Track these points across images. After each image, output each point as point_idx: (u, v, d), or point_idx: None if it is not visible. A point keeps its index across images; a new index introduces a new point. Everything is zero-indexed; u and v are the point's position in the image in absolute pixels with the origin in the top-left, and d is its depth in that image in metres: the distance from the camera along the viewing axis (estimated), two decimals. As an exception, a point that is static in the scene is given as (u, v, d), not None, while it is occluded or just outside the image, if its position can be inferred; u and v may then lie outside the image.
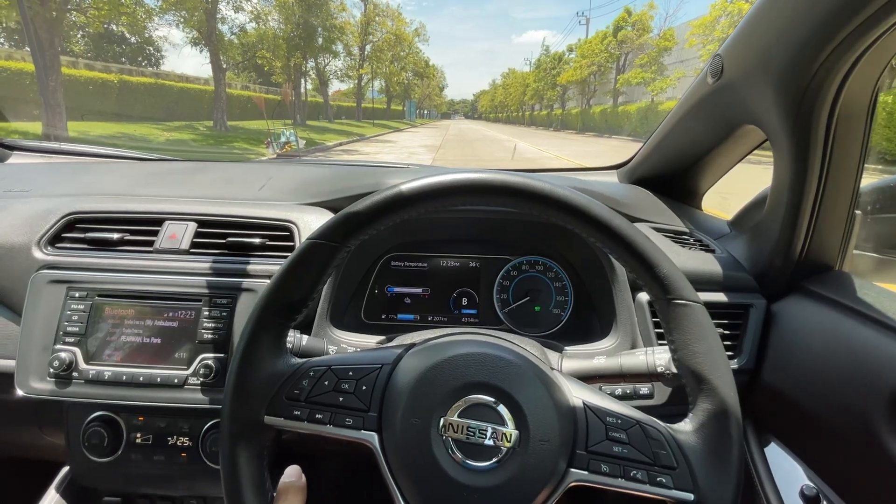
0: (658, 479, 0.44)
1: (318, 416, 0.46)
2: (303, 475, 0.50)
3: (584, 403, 0.47)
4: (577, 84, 37.17)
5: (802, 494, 0.66)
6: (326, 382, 0.47)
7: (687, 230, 0.90)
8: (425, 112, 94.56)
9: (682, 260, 0.80)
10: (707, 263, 0.81)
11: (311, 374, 0.47)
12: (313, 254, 0.48)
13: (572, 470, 0.44)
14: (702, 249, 0.85)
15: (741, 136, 0.85)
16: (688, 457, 0.44)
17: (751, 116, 0.76)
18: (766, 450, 0.75)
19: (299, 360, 0.49)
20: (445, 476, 0.43)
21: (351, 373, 0.48)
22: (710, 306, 0.72)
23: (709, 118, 0.87)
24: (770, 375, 0.73)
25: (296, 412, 0.46)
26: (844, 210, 0.70)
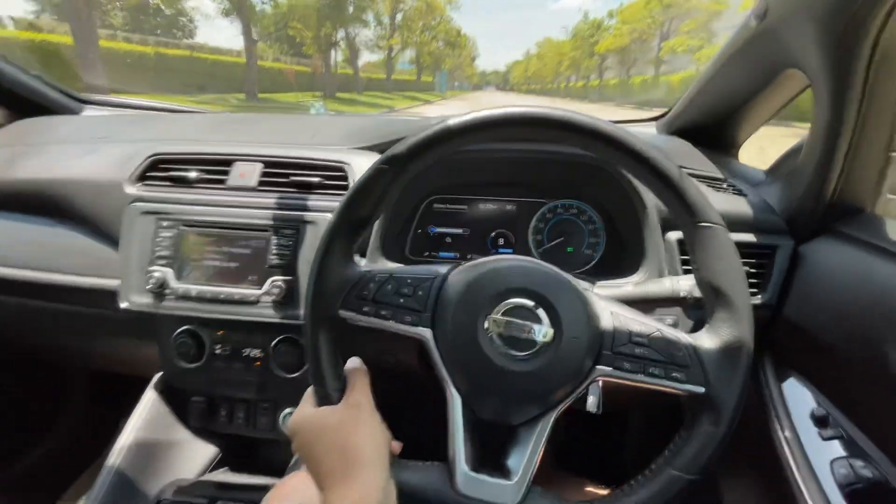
0: (673, 374, 0.49)
1: (383, 312, 0.53)
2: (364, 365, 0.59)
3: (611, 312, 0.53)
4: (616, 52, 34.77)
5: (812, 416, 0.71)
6: (389, 287, 0.54)
7: (722, 177, 0.93)
8: (456, 84, 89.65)
9: (714, 203, 0.83)
10: (738, 206, 0.84)
11: (377, 279, 0.55)
12: (378, 177, 0.54)
13: (598, 366, 0.51)
14: (735, 194, 0.88)
15: (782, 81, 0.85)
16: (701, 357, 0.50)
17: (793, 59, 0.76)
18: (783, 384, 0.79)
19: (366, 267, 0.57)
20: (489, 362, 0.50)
21: (409, 280, 0.55)
22: (739, 246, 0.76)
23: (750, 64, 0.87)
24: (793, 311, 0.77)
25: (364, 308, 0.54)
26: (880, 153, 0.71)
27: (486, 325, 0.51)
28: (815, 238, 0.78)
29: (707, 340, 0.51)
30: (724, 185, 0.90)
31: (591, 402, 0.54)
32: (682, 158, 0.96)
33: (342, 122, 1.15)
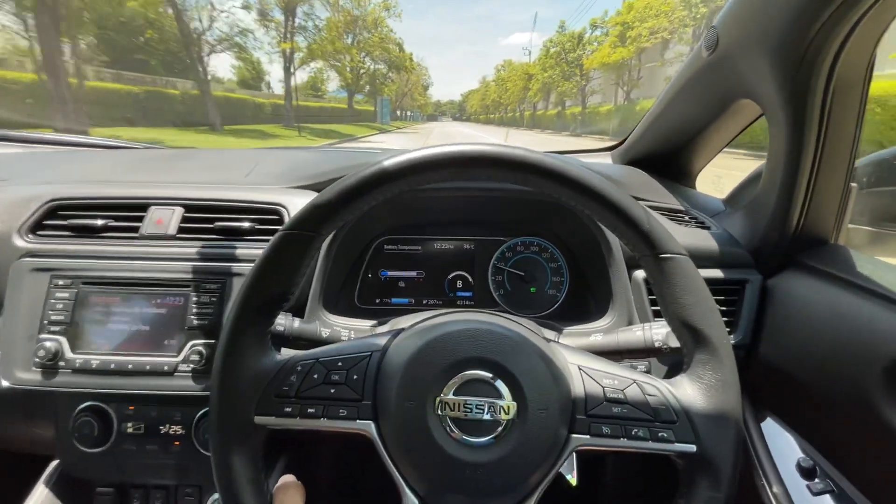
0: (660, 434, 0.44)
1: (311, 410, 0.44)
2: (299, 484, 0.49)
3: (579, 368, 0.47)
4: (611, 69, 25.78)
5: (799, 467, 0.66)
6: (316, 375, 0.46)
7: (682, 208, 0.90)
8: (408, 113, 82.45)
9: (677, 237, 0.80)
10: (703, 240, 0.81)
11: (299, 368, 0.46)
12: (288, 246, 0.46)
13: (574, 435, 0.44)
14: (697, 226, 0.85)
15: (735, 111, 0.84)
16: (687, 409, 0.44)
17: (746, 90, 0.75)
18: (762, 425, 0.75)
19: (285, 356, 0.47)
20: (446, 456, 0.42)
21: (340, 363, 0.46)
22: (707, 283, 0.72)
23: (703, 94, 0.86)
24: (767, 350, 0.73)
25: (286, 409, 0.44)
26: (840, 183, 0.70)
27: (437, 408, 0.43)
28: (782, 271, 0.75)
29: (689, 388, 0.45)
30: (686, 218, 0.87)
31: (566, 471, 0.47)
32: (640, 189, 0.93)
33: (283, 156, 1.05)
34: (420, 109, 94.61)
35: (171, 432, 0.75)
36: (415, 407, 0.43)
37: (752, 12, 0.67)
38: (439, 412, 0.43)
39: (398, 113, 70.87)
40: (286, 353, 0.49)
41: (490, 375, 0.44)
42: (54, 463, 0.81)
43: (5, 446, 0.94)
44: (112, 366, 0.70)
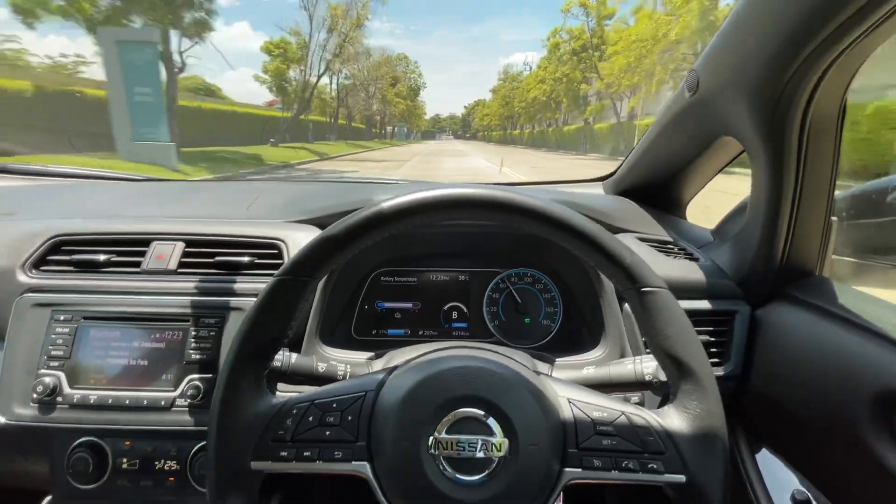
0: (649, 465, 0.45)
1: (307, 453, 0.45)
2: None
3: (569, 401, 0.48)
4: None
5: (794, 499, 0.66)
6: (311, 418, 0.46)
7: (671, 239, 0.92)
8: (390, 129, 61.86)
9: (666, 269, 0.82)
10: (691, 272, 0.82)
11: (294, 411, 0.47)
12: (282, 292, 0.48)
13: (566, 469, 0.45)
14: (686, 258, 0.87)
15: (719, 147, 0.87)
16: (675, 439, 0.45)
17: (727, 128, 0.78)
18: (757, 456, 0.75)
19: (281, 399, 0.48)
20: (441, 495, 0.43)
21: (335, 404, 0.47)
22: (696, 314, 0.73)
23: (687, 131, 0.89)
24: (757, 381, 0.74)
25: (282, 453, 0.45)
26: (821, 217, 0.72)
27: (431, 447, 0.44)
28: (769, 302, 0.77)
29: (676, 419, 0.47)
30: (675, 249, 0.89)
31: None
32: (629, 220, 0.96)
33: (283, 189, 1.08)
34: (412, 126, 73.80)
35: (166, 467, 0.75)
36: (409, 447, 0.44)
37: (729, 57, 0.71)
38: (433, 451, 0.44)
39: (380, 130, 55.39)
40: (282, 395, 0.49)
41: (482, 413, 0.45)
42: (47, 499, 0.80)
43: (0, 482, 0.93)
44: (110, 401, 0.70)
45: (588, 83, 30.62)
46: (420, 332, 0.94)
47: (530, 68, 55.49)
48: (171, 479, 0.74)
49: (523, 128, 58.64)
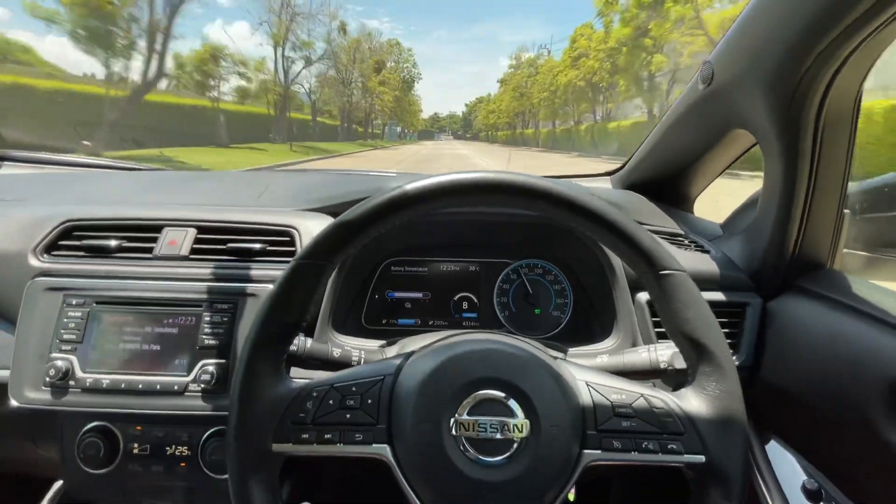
0: (669, 446, 0.45)
1: (327, 436, 0.45)
2: None
3: (587, 384, 0.48)
4: None
5: (804, 489, 0.67)
6: (331, 401, 0.47)
7: (682, 232, 0.92)
8: (401, 130, 54.81)
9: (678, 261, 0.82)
10: (703, 263, 0.83)
11: (315, 394, 0.47)
12: (302, 275, 0.48)
13: (586, 451, 0.45)
14: (697, 250, 0.87)
15: (731, 140, 0.87)
16: (694, 420, 0.46)
17: (740, 121, 0.78)
18: (766, 447, 0.76)
19: (300, 383, 0.48)
20: (462, 476, 0.43)
21: (354, 388, 0.47)
22: (708, 305, 0.73)
23: (700, 124, 0.89)
24: (769, 372, 0.74)
25: (304, 435, 0.45)
26: (834, 210, 0.73)
27: (452, 429, 0.44)
28: (780, 294, 0.77)
29: (695, 400, 0.47)
30: (686, 242, 0.89)
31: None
32: (639, 213, 0.96)
33: (294, 178, 1.08)
34: (407, 126, 62.87)
35: (177, 453, 0.75)
36: (430, 428, 0.44)
37: (745, 49, 0.71)
38: (454, 433, 0.44)
39: (371, 128, 45.18)
40: (299, 380, 0.50)
41: (503, 395, 0.46)
42: (58, 484, 0.80)
43: (11, 468, 0.93)
44: (122, 385, 0.70)
45: (663, 53, 19.53)
46: (430, 322, 0.94)
47: (549, 52, 46.98)
48: (183, 464, 0.75)
49: (538, 126, 47.39)
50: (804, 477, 0.68)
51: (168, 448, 0.75)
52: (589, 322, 0.91)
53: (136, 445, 0.75)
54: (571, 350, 0.75)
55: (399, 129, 60.20)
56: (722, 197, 1.15)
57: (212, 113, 19.61)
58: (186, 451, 0.75)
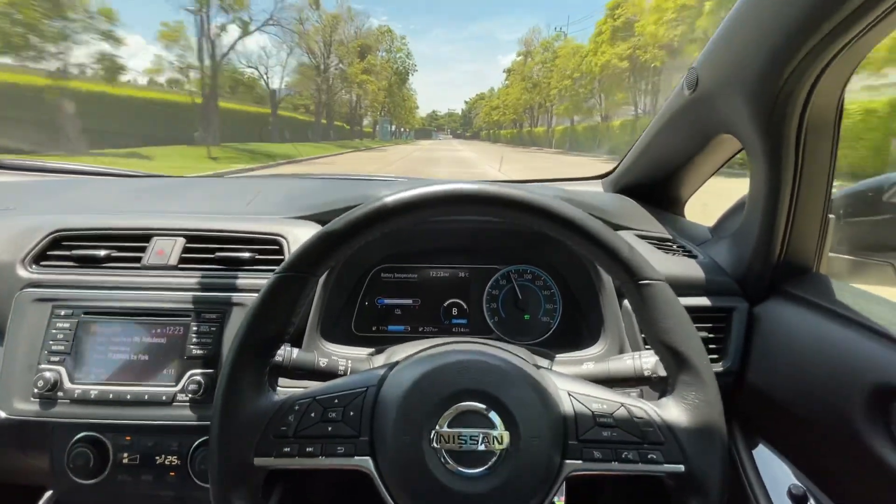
0: (649, 455, 0.45)
1: (309, 449, 0.45)
2: None
3: (569, 394, 0.48)
4: None
5: (790, 494, 0.67)
6: (313, 414, 0.47)
7: (670, 237, 0.92)
8: (395, 129, 51.11)
9: (665, 266, 0.82)
10: (690, 269, 0.83)
11: (297, 407, 0.47)
12: (284, 288, 0.48)
13: (567, 461, 0.46)
14: (684, 255, 0.87)
15: (718, 145, 0.88)
16: (673, 430, 0.46)
17: (726, 126, 0.79)
18: (754, 452, 0.76)
19: (283, 396, 0.49)
20: (443, 488, 0.44)
21: (336, 400, 0.48)
22: (694, 310, 0.74)
23: (686, 129, 0.90)
24: (755, 377, 0.75)
25: (285, 449, 0.45)
26: (818, 214, 0.73)
27: (433, 441, 0.44)
28: (767, 299, 0.78)
29: (675, 409, 0.47)
30: (674, 247, 0.90)
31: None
32: (629, 218, 0.96)
33: (283, 185, 1.08)
34: (402, 123, 58.32)
35: (166, 462, 0.75)
36: (411, 441, 0.44)
37: (728, 56, 0.71)
38: (435, 445, 0.44)
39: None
40: (283, 391, 0.50)
41: (483, 407, 0.46)
42: (48, 494, 0.80)
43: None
44: (111, 396, 0.70)
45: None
46: (420, 329, 0.94)
47: (565, 35, 38.93)
48: (172, 473, 0.75)
49: (551, 123, 39.42)
50: (791, 481, 0.69)
51: (158, 458, 0.75)
52: (577, 328, 0.91)
53: (125, 455, 0.75)
54: (559, 357, 0.76)
55: (392, 126, 55.39)
56: (711, 198, 1.15)
57: (55, 95, 11.80)
58: (176, 461, 0.75)
